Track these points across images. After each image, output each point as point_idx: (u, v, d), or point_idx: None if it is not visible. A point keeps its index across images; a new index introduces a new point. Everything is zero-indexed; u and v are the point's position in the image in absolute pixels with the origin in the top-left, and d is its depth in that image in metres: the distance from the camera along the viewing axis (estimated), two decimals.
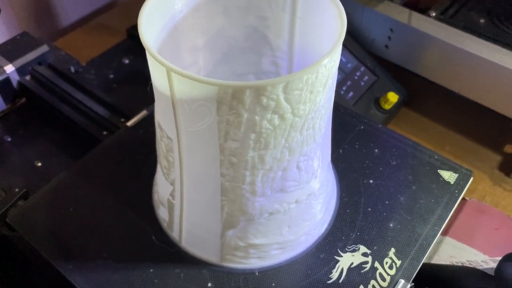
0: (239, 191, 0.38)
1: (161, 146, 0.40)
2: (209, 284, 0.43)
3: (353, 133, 0.55)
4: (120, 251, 0.45)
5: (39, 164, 0.64)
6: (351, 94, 0.72)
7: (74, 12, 0.94)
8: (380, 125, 0.56)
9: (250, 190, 0.38)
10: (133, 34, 0.82)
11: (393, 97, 0.71)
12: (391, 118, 0.75)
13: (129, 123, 0.55)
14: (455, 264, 0.54)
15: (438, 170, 0.52)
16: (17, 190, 0.49)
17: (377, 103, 0.72)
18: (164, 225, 0.46)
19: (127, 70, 0.77)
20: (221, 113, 0.32)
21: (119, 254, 0.45)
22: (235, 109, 0.31)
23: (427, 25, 0.69)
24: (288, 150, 0.36)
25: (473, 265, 0.54)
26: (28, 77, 0.67)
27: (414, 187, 0.50)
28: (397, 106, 0.73)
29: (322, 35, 0.39)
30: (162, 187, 0.44)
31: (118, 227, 0.47)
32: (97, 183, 0.50)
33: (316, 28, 0.40)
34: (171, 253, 0.45)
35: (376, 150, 0.53)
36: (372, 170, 0.51)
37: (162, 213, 0.46)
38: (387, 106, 0.72)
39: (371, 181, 0.50)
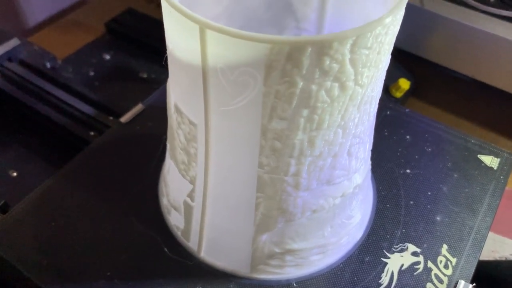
0: (280, 185, 0.31)
1: (177, 137, 0.33)
2: None
3: (379, 119, 0.48)
4: (127, 268, 0.37)
5: (14, 174, 0.55)
6: None
7: (44, 8, 0.85)
8: (407, 109, 0.50)
9: (293, 183, 0.31)
10: (113, 28, 0.74)
11: (404, 83, 0.66)
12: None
13: (123, 119, 0.47)
14: (499, 259, 0.49)
15: (478, 155, 0.46)
16: None
17: (387, 91, 0.67)
18: (178, 233, 0.39)
19: (109, 66, 0.69)
20: (270, 83, 0.25)
21: (126, 272, 0.37)
22: (289, 75, 0.25)
23: (436, 4, 0.64)
24: (342, 130, 0.29)
25: None
26: None
27: (456, 175, 0.44)
28: (408, 94, 0.68)
29: (366, 1, 0.33)
30: (175, 188, 0.37)
31: (122, 239, 0.39)
32: (90, 189, 0.42)
33: None
34: (189, 267, 0.37)
35: (407, 137, 0.47)
36: (407, 159, 0.45)
37: (174, 219, 0.39)
38: (398, 94, 0.66)
39: (408, 170, 0.45)
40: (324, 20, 0.38)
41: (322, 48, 0.24)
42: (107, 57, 0.70)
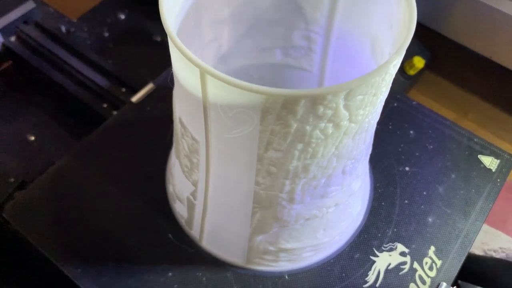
0: (275, 199, 0.33)
1: (182, 144, 0.35)
2: None
3: (386, 111, 0.49)
4: (134, 251, 0.40)
5: (32, 138, 0.58)
6: None
7: None
8: (414, 102, 0.50)
9: (287, 198, 0.33)
10: None
11: (419, 62, 0.65)
12: (413, 83, 0.69)
13: (134, 99, 0.49)
14: (487, 251, 0.51)
15: (479, 156, 0.47)
16: (12, 180, 0.43)
17: (401, 68, 0.66)
18: (182, 221, 0.41)
19: (123, 27, 0.69)
20: (265, 123, 0.26)
21: (133, 255, 0.40)
22: (284, 119, 0.26)
23: None
24: (337, 157, 0.30)
25: (505, 252, 0.51)
26: (13, 38, 0.59)
27: (453, 175, 0.46)
28: (422, 72, 0.67)
29: (374, 12, 0.33)
30: (180, 183, 0.39)
31: (130, 222, 0.42)
32: (102, 169, 0.45)
33: (366, 4, 0.33)
34: (191, 254, 0.40)
35: (411, 132, 0.48)
36: (408, 156, 0.47)
37: (179, 208, 0.41)
38: (412, 72, 0.66)
39: (407, 168, 0.46)
40: (333, 25, 0.38)
41: (316, 100, 0.24)
42: (122, 16, 0.70)
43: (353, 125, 0.28)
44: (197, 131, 0.31)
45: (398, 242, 0.42)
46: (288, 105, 0.24)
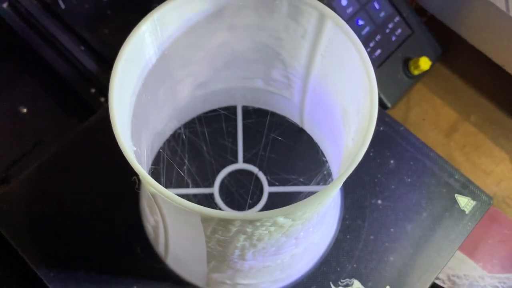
0: (228, 257, 0.34)
1: (145, 191, 0.35)
2: None
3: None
4: (104, 261, 0.43)
5: (24, 110, 0.58)
6: (378, 52, 0.62)
7: None
8: (402, 127, 0.49)
9: (239, 258, 0.34)
10: None
11: (425, 63, 0.61)
12: (416, 82, 0.66)
13: None
14: (451, 277, 0.52)
15: (456, 195, 0.47)
16: None
17: (406, 65, 0.63)
18: (150, 237, 0.43)
19: None
20: (207, 224, 0.27)
21: (102, 265, 0.43)
22: (223, 226, 0.26)
23: None
24: (286, 236, 0.31)
25: (469, 280, 0.52)
26: (5, 5, 0.58)
27: (425, 214, 0.46)
28: (425, 74, 0.64)
29: (346, 89, 0.31)
30: (145, 211, 0.40)
31: (104, 231, 0.44)
32: (84, 170, 0.46)
33: (340, 71, 0.32)
34: (156, 270, 0.43)
35: (391, 162, 0.48)
36: (383, 188, 0.46)
37: (148, 224, 0.43)
38: (416, 72, 0.62)
39: (379, 201, 0.46)
40: (309, 78, 0.36)
41: (251, 221, 0.24)
42: None
43: (298, 222, 0.28)
44: (154, 210, 0.31)
45: (356, 279, 0.43)
46: (223, 223, 0.25)
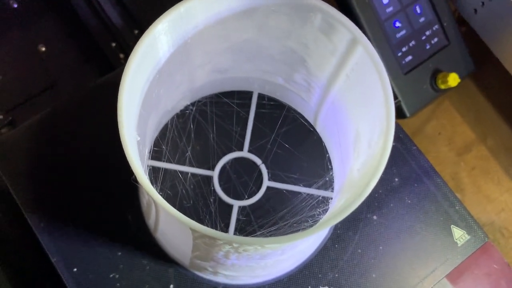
0: (212, 255, 0.34)
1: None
2: (171, 286, 0.42)
3: None
4: (94, 223, 0.43)
5: (43, 48, 0.58)
6: (409, 58, 0.60)
7: None
8: (414, 147, 0.48)
9: (224, 257, 0.34)
10: None
11: (453, 80, 0.59)
12: (440, 95, 0.64)
13: None
14: None
15: (452, 226, 0.46)
16: (1, 117, 0.45)
17: (434, 77, 0.61)
18: (143, 209, 0.44)
19: None
20: (196, 235, 0.26)
21: (92, 226, 0.43)
22: (210, 239, 0.26)
23: None
24: (272, 249, 0.31)
25: None
26: None
27: (417, 238, 0.45)
28: (452, 89, 0.62)
29: (367, 112, 0.30)
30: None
31: (100, 191, 0.44)
32: (89, 127, 0.46)
33: (361, 98, 0.31)
34: (143, 242, 0.43)
35: (396, 179, 0.47)
36: (381, 204, 0.46)
37: (143, 196, 0.43)
38: (442, 86, 0.60)
39: (374, 216, 0.46)
40: (330, 90, 0.35)
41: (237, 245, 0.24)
42: None
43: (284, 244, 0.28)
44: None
45: None
46: (210, 239, 0.25)
